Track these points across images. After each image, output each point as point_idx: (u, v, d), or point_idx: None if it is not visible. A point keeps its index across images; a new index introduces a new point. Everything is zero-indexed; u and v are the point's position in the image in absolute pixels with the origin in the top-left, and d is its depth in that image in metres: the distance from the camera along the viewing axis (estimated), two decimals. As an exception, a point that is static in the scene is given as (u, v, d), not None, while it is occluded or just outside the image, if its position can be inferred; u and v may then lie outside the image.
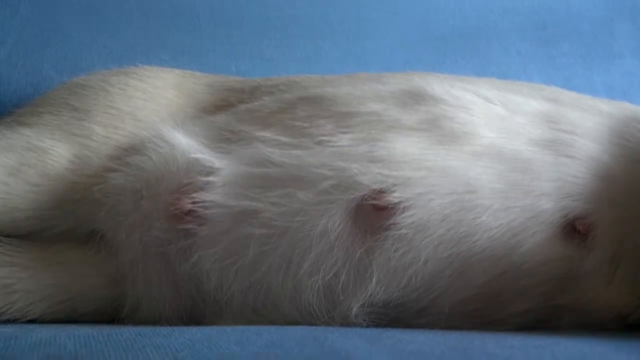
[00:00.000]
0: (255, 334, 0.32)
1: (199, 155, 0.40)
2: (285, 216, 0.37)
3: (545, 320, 0.37)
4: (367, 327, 0.36)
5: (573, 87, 0.49)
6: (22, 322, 0.40)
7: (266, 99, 0.44)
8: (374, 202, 0.36)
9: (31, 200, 0.41)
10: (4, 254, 0.41)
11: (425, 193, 0.36)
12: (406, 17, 0.73)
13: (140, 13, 0.64)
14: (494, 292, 0.36)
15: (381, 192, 0.36)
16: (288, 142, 0.39)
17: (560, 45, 0.71)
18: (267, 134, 0.40)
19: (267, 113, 0.42)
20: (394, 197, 0.36)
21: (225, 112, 0.44)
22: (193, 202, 0.38)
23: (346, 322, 0.36)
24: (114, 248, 0.41)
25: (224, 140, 0.40)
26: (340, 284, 0.36)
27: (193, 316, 0.39)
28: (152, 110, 0.45)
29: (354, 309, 0.36)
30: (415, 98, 0.40)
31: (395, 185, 0.36)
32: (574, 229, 0.37)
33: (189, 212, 0.38)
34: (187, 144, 0.40)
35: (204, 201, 0.38)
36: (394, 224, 0.36)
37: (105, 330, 0.36)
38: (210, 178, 0.38)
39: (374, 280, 0.36)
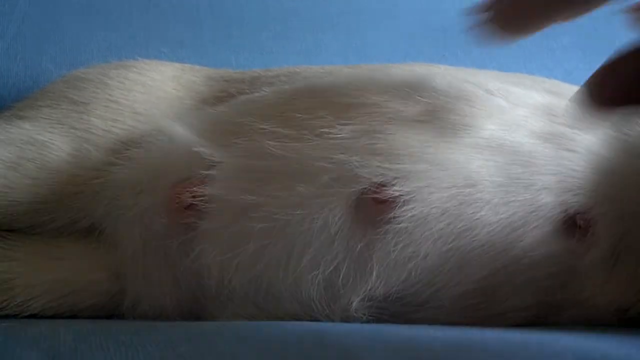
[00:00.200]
0: (256, 329, 0.32)
1: (198, 149, 0.39)
2: (285, 210, 0.36)
3: (545, 315, 0.37)
4: (367, 321, 0.36)
5: (573, 81, 0.48)
6: (21, 317, 0.40)
7: (266, 90, 0.44)
8: (375, 195, 0.36)
9: (31, 193, 0.41)
10: (3, 248, 0.41)
11: (425, 186, 0.36)
12: (407, 10, 0.73)
13: (139, 6, 0.64)
14: (493, 287, 0.36)
15: (381, 185, 0.36)
16: (288, 134, 0.39)
17: (561, 38, 0.71)
18: (266, 126, 0.39)
19: (266, 105, 0.41)
20: (394, 191, 0.36)
21: (225, 104, 0.44)
22: (193, 196, 0.38)
23: (346, 316, 0.36)
24: (113, 243, 0.41)
25: (224, 132, 0.40)
26: (341, 277, 0.36)
27: (193, 311, 0.39)
28: (152, 103, 0.45)
29: (354, 303, 0.36)
30: (416, 89, 0.39)
31: (395, 178, 0.36)
32: (574, 224, 0.36)
33: (190, 206, 0.38)
34: (186, 137, 0.40)
35: (204, 195, 0.38)
36: (394, 218, 0.36)
37: (106, 324, 0.36)
38: (210, 171, 0.38)
39: (374, 274, 0.36)
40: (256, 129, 0.39)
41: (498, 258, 0.35)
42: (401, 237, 0.36)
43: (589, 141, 0.38)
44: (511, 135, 0.38)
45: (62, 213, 0.42)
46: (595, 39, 0.72)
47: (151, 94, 0.45)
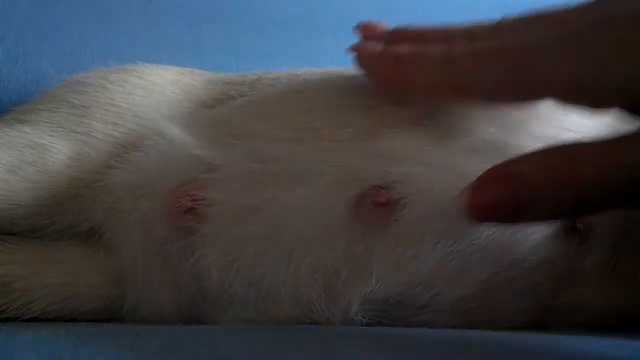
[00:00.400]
0: (256, 333, 0.32)
1: (199, 152, 0.39)
2: (285, 213, 0.36)
3: (545, 318, 0.37)
4: (367, 324, 0.36)
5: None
6: (22, 321, 0.40)
7: (266, 92, 0.44)
8: (375, 198, 0.36)
9: (31, 197, 0.41)
10: (3, 252, 0.41)
11: (425, 190, 0.36)
12: (406, 14, 0.73)
13: (140, 11, 0.64)
14: (493, 291, 0.36)
15: (382, 188, 0.36)
16: (288, 137, 0.39)
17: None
18: (267, 128, 0.39)
19: (266, 107, 0.41)
20: (394, 194, 0.36)
21: (225, 107, 0.44)
22: (193, 200, 0.38)
23: (347, 320, 0.36)
24: (113, 247, 0.41)
25: (224, 136, 0.40)
26: (341, 281, 0.36)
27: (194, 315, 0.39)
28: (152, 107, 0.45)
29: (355, 306, 0.36)
30: None
31: (395, 181, 0.36)
32: (574, 228, 0.36)
33: (190, 210, 0.38)
34: (186, 141, 0.40)
35: (204, 199, 0.38)
36: (394, 221, 0.36)
37: (106, 328, 0.36)
38: (210, 175, 0.38)
39: (374, 277, 0.36)
40: (256, 132, 0.39)
41: (498, 262, 0.35)
42: (401, 241, 0.36)
43: None
44: (511, 138, 0.37)
45: (63, 217, 0.42)
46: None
47: (151, 98, 0.45)
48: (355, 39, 0.40)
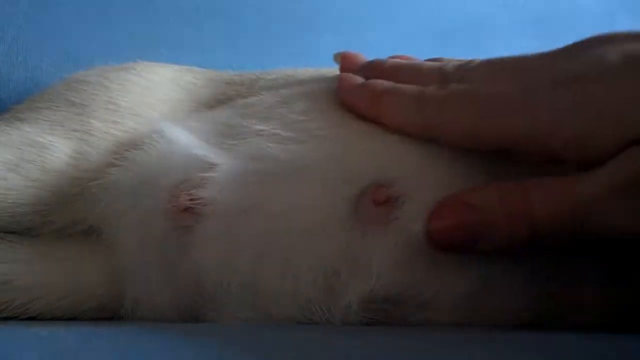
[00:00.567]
0: (255, 331, 0.32)
1: (197, 151, 0.39)
2: (284, 212, 0.36)
3: (545, 317, 0.37)
4: (367, 324, 0.36)
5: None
6: (21, 319, 0.40)
7: (265, 92, 0.44)
8: (374, 197, 0.36)
9: (31, 195, 0.41)
10: (3, 250, 0.41)
11: (422, 187, 0.36)
12: (406, 11, 0.73)
13: (139, 9, 0.64)
14: (492, 287, 0.36)
15: (381, 186, 0.36)
16: (286, 136, 0.39)
17: (562, 39, 0.71)
18: (265, 128, 0.39)
19: (265, 107, 0.41)
20: (393, 192, 0.36)
21: (225, 106, 0.44)
22: (191, 199, 0.38)
23: (346, 319, 0.36)
24: (112, 245, 0.41)
25: (223, 135, 0.40)
26: (340, 279, 0.36)
27: (192, 313, 0.39)
28: (151, 105, 0.45)
29: (354, 305, 0.36)
30: None
31: (394, 179, 0.36)
32: None
33: (187, 209, 0.38)
34: (185, 140, 0.40)
35: (202, 198, 0.38)
36: (394, 219, 0.36)
37: (106, 326, 0.36)
38: (208, 174, 0.38)
39: (374, 275, 0.36)
40: (255, 131, 0.39)
41: (497, 259, 0.35)
42: (400, 238, 0.36)
43: None
44: None
45: (63, 215, 0.42)
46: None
47: (151, 96, 0.45)
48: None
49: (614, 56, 0.31)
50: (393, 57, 0.43)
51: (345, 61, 0.43)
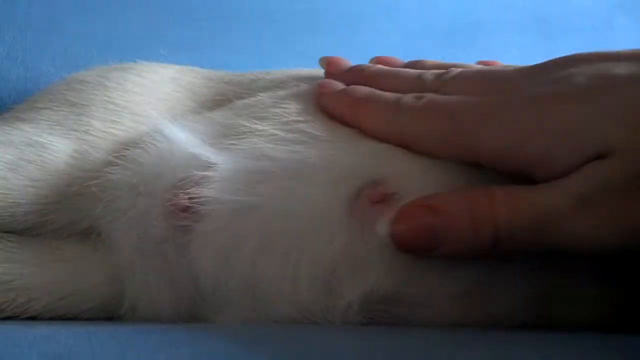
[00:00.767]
0: (255, 331, 0.32)
1: (196, 150, 0.39)
2: (282, 211, 0.37)
3: (542, 316, 0.37)
4: (366, 323, 0.36)
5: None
6: (21, 319, 0.40)
7: (263, 92, 0.44)
8: (372, 195, 0.36)
9: (31, 195, 0.41)
10: (3, 250, 0.41)
11: (421, 185, 0.36)
12: (407, 11, 0.73)
13: (139, 9, 0.64)
14: (488, 286, 0.36)
15: (378, 184, 0.36)
16: (284, 136, 0.39)
17: (560, 39, 0.71)
18: (263, 128, 0.39)
19: (262, 107, 0.42)
20: (390, 190, 0.36)
21: (224, 106, 0.44)
22: (190, 198, 0.38)
23: (345, 318, 0.36)
24: (111, 244, 0.41)
25: (222, 135, 0.40)
26: (339, 279, 0.36)
27: (192, 313, 0.39)
28: (151, 104, 0.45)
29: (353, 305, 0.36)
30: None
31: (392, 177, 0.36)
32: None
33: (186, 209, 0.38)
34: (184, 139, 0.40)
35: (200, 197, 0.38)
36: (389, 217, 0.36)
37: (106, 326, 0.36)
38: (207, 173, 0.38)
39: (372, 275, 0.36)
40: (253, 131, 0.39)
41: (495, 258, 0.35)
42: None
43: None
44: None
45: (62, 214, 0.42)
46: (594, 41, 0.73)
47: (150, 96, 0.45)
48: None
49: (584, 76, 0.32)
50: (378, 58, 0.44)
51: (329, 66, 0.44)
